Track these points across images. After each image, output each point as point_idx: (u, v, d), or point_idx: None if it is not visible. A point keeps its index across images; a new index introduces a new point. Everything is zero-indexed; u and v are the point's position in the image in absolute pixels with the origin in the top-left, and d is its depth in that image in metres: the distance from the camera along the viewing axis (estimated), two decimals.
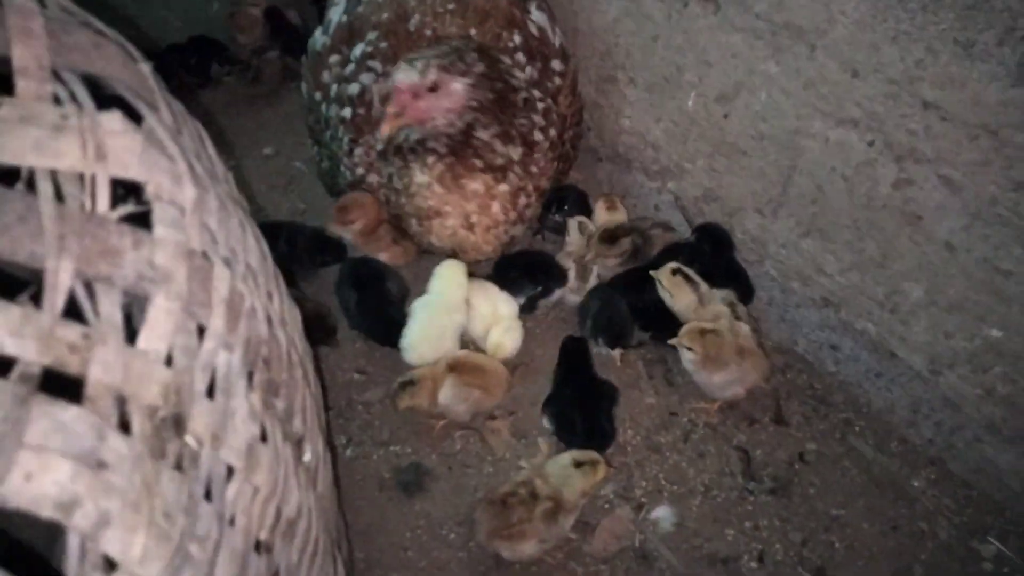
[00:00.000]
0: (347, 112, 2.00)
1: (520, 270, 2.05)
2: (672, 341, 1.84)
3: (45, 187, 0.55)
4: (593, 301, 2.00)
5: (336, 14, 2.07)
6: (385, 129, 1.66)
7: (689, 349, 1.83)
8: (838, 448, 1.93)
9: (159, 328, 0.61)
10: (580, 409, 1.76)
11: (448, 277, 1.96)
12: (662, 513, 1.71)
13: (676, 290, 1.92)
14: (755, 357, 1.88)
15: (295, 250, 2.09)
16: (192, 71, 2.90)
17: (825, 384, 2.07)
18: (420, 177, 1.86)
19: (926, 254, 1.69)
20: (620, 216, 2.24)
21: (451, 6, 1.98)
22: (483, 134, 1.82)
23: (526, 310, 2.05)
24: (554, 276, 2.05)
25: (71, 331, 0.56)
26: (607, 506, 1.74)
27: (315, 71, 2.08)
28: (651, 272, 1.96)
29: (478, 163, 1.85)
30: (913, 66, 1.54)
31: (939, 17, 1.46)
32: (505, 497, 1.50)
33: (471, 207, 1.89)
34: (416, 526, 1.68)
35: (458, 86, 1.70)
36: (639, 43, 2.13)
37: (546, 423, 1.82)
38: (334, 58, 2.03)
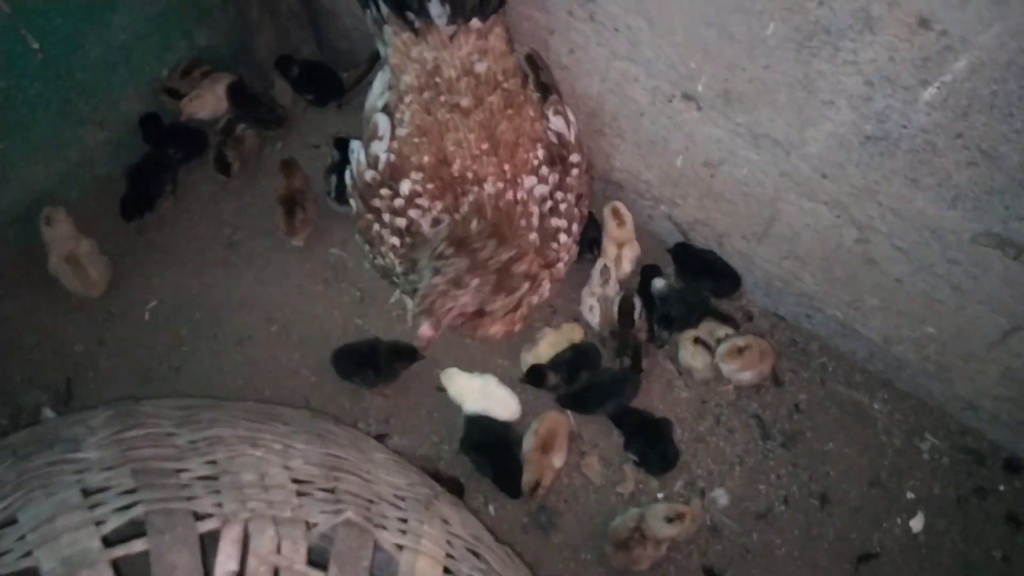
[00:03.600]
0: (396, 241, 2.21)
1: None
2: (716, 362, 2.48)
3: None
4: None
5: (381, 150, 2.17)
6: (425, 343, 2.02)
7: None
8: (820, 391, 2.65)
9: None
10: (652, 445, 2.41)
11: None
12: (718, 492, 2.46)
13: (697, 356, 2.51)
14: (770, 355, 2.53)
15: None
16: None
17: (803, 337, 2.73)
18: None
19: (881, 282, 2.25)
20: (627, 231, 2.66)
21: (484, 146, 2.10)
22: (493, 305, 2.08)
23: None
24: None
25: None
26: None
27: (365, 197, 2.23)
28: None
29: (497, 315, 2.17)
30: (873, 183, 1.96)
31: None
32: (626, 541, 2.21)
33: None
34: (561, 557, 2.40)
35: (466, 298, 1.96)
36: (626, 113, 2.38)
37: (631, 456, 2.47)
38: (384, 191, 2.17)
